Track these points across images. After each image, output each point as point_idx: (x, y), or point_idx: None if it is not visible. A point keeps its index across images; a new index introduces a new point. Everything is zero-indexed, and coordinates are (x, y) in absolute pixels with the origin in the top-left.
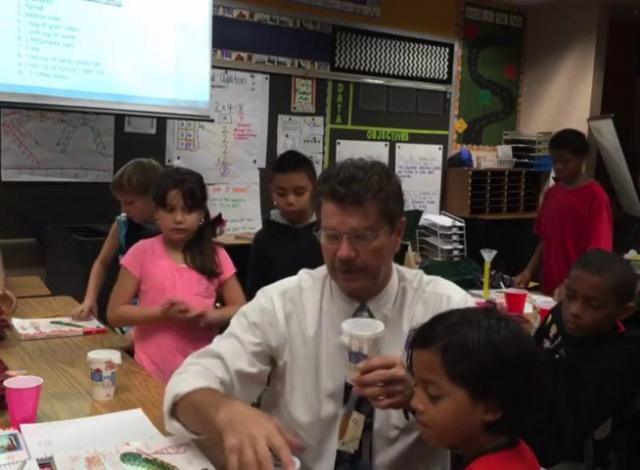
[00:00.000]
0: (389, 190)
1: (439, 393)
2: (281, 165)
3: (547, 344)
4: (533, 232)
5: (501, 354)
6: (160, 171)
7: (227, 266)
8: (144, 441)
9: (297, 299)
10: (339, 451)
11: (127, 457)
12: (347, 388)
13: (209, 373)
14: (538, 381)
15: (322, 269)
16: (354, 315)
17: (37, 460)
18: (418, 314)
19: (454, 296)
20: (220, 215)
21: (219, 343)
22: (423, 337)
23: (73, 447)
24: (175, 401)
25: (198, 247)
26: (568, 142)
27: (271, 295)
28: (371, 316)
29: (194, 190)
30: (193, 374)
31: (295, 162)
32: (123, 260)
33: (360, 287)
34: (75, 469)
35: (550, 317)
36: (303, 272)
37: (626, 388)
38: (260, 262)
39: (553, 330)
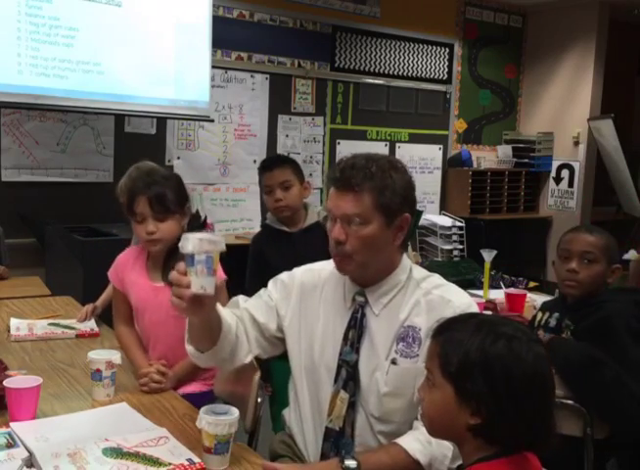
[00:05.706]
0: (390, 183)
1: (434, 382)
2: (265, 165)
3: (544, 329)
4: None
5: (488, 366)
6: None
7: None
8: (123, 435)
9: (320, 277)
10: (327, 428)
11: (109, 451)
12: (338, 367)
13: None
14: (528, 404)
15: None
16: (353, 300)
17: (22, 460)
18: (417, 313)
19: (455, 301)
20: (203, 218)
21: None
22: (437, 327)
23: (69, 443)
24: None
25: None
26: None
27: (297, 271)
28: (367, 302)
29: (163, 195)
30: None
31: (278, 160)
32: (110, 273)
33: (349, 273)
34: (59, 465)
35: (538, 315)
36: None
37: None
38: (259, 265)
39: (544, 317)
